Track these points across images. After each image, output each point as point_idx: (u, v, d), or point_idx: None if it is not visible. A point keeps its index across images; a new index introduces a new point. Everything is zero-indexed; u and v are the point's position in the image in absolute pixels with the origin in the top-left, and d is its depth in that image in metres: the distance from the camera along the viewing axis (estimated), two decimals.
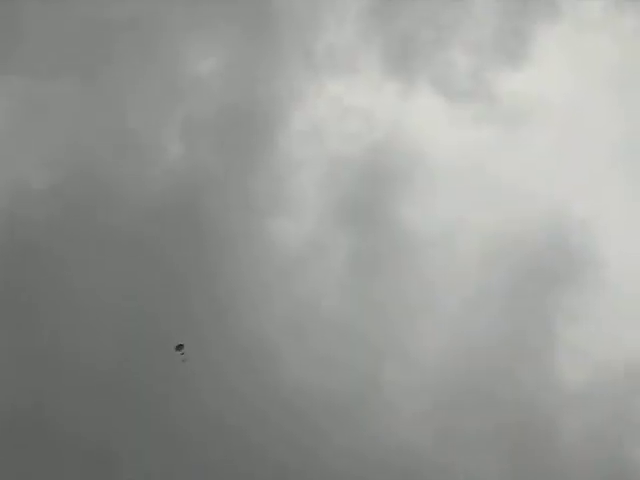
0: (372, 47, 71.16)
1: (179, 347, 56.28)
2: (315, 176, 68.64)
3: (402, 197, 67.84)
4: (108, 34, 69.32)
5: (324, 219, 67.56)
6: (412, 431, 60.89)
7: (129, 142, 67.45)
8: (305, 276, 65.96)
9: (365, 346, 63.78)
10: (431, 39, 70.71)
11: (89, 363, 60.32)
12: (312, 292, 65.38)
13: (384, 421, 61.25)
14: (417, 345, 64.25)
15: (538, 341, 64.64)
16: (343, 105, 69.89)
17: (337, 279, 66.11)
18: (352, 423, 60.87)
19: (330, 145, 69.30)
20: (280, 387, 61.00)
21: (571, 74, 70.73)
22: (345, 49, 71.15)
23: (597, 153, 68.08)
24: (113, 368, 60.30)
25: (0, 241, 63.73)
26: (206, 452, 58.40)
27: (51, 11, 69.21)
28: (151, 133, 67.96)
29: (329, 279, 65.97)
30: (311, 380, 61.64)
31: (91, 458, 57.85)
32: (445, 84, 70.85)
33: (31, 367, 60.10)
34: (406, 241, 66.61)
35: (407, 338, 64.48)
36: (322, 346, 63.15)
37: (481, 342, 64.08)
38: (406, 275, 66.27)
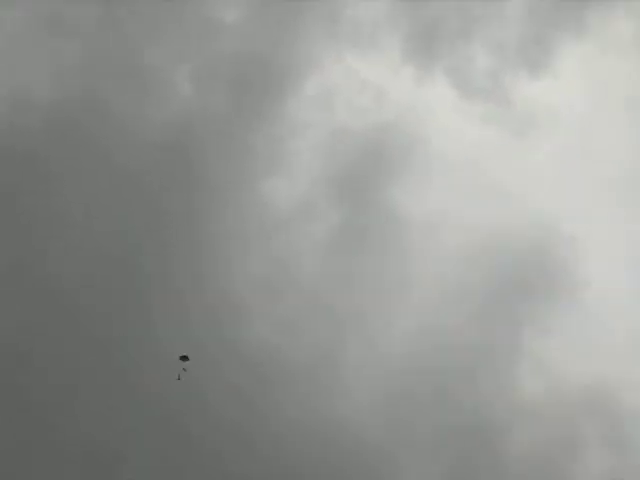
0: (397, 28, 71.30)
1: (183, 358, 54.22)
2: (316, 143, 68.67)
3: (397, 180, 67.97)
4: None
5: (317, 187, 67.57)
6: (363, 415, 60.49)
7: (139, 75, 67.24)
8: (287, 240, 65.85)
9: (333, 321, 63.46)
10: (456, 31, 71.00)
11: (73, 282, 60.26)
12: (291, 257, 65.25)
13: (337, 399, 60.77)
14: (384, 331, 64.00)
15: (504, 349, 64.29)
16: (359, 78, 70.05)
17: (319, 249, 65.98)
18: (305, 396, 60.42)
19: (337, 115, 69.40)
20: (241, 344, 60.53)
21: (587, 92, 71.32)
22: (370, 25, 71.19)
23: (598, 174, 68.50)
24: (92, 289, 60.35)
25: None
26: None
27: None
28: (163, 71, 67.79)
29: (311, 247, 65.83)
30: (273, 344, 61.28)
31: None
32: (461, 78, 71.24)
33: (17, 278, 60.01)
34: (393, 223, 66.55)
35: (376, 321, 64.28)
36: (290, 312, 62.80)
37: (448, 340, 63.66)
38: (387, 258, 66.17)
